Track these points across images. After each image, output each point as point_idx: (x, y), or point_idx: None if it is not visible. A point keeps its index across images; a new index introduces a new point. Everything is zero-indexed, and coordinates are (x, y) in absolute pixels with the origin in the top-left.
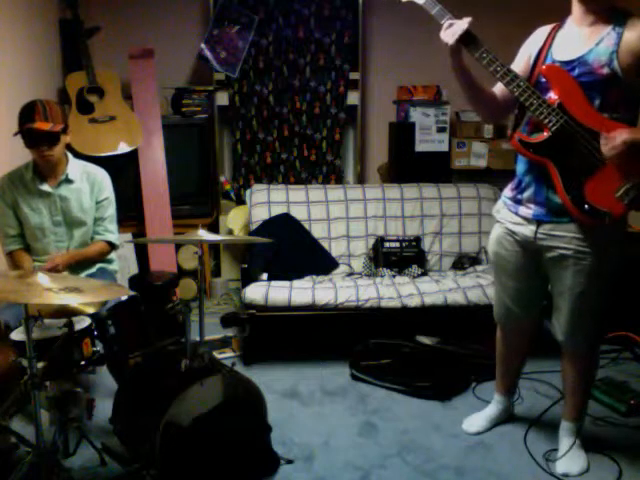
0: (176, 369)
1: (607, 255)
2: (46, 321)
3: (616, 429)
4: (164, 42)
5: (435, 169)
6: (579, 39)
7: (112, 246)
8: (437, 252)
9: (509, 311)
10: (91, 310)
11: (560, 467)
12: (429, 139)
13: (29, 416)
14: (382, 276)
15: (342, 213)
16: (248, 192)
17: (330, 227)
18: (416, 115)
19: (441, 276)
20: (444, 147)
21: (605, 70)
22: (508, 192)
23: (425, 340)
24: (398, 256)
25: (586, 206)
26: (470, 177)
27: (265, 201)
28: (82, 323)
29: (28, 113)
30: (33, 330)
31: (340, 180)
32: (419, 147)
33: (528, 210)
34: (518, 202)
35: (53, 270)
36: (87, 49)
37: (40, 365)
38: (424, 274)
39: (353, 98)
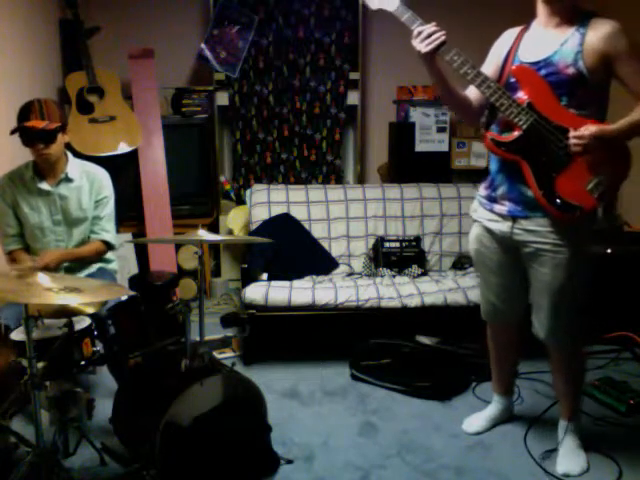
0: (176, 369)
1: (583, 248)
2: (46, 321)
3: (616, 429)
4: (164, 42)
5: (435, 169)
6: (545, 40)
7: (108, 246)
8: (437, 252)
9: (495, 308)
10: (91, 310)
11: (560, 467)
12: (429, 139)
13: (29, 416)
14: (382, 276)
15: (342, 213)
16: (248, 192)
17: (330, 227)
18: (416, 115)
19: (441, 276)
20: (444, 147)
21: (571, 70)
22: (482, 191)
23: (425, 340)
24: (398, 256)
25: (558, 200)
26: (470, 177)
27: (265, 201)
28: (82, 323)
29: (25, 112)
30: (33, 330)
31: (340, 180)
32: (419, 147)
33: (503, 207)
34: (492, 200)
35: (43, 267)
36: (87, 49)
37: (40, 365)
38: (424, 274)
39: (353, 98)
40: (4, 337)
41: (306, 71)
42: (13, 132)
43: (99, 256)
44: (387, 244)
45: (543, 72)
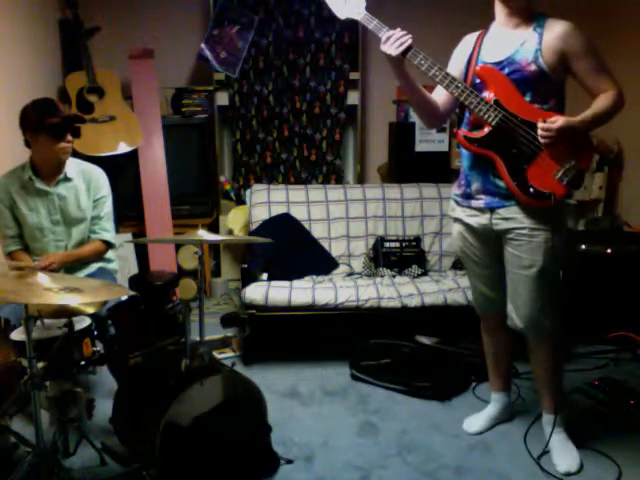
0: (176, 369)
1: (557, 231)
2: (46, 321)
3: (616, 429)
4: (164, 42)
5: (435, 169)
6: (505, 41)
7: (108, 245)
8: (437, 252)
9: (487, 298)
10: (91, 310)
11: (561, 467)
12: (429, 139)
13: (29, 416)
14: (382, 276)
15: (342, 213)
16: (248, 192)
17: (330, 227)
18: (416, 115)
19: (441, 276)
20: (444, 147)
21: (532, 67)
22: (456, 190)
23: (425, 340)
24: (398, 256)
25: (531, 190)
26: None
27: (265, 201)
28: (82, 323)
29: (48, 107)
30: (33, 330)
31: (340, 180)
32: (419, 147)
33: (479, 201)
34: (468, 196)
35: (47, 268)
36: (87, 49)
37: (40, 365)
38: (424, 274)
39: (353, 98)
40: (3, 330)
41: (306, 71)
42: (42, 128)
43: (100, 256)
44: (387, 244)
45: (506, 71)
